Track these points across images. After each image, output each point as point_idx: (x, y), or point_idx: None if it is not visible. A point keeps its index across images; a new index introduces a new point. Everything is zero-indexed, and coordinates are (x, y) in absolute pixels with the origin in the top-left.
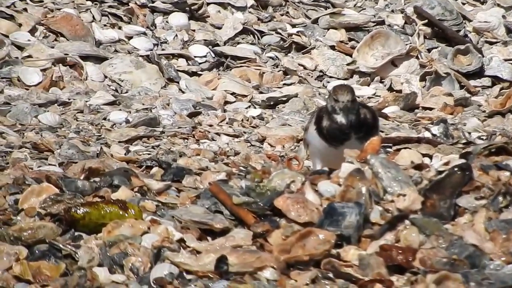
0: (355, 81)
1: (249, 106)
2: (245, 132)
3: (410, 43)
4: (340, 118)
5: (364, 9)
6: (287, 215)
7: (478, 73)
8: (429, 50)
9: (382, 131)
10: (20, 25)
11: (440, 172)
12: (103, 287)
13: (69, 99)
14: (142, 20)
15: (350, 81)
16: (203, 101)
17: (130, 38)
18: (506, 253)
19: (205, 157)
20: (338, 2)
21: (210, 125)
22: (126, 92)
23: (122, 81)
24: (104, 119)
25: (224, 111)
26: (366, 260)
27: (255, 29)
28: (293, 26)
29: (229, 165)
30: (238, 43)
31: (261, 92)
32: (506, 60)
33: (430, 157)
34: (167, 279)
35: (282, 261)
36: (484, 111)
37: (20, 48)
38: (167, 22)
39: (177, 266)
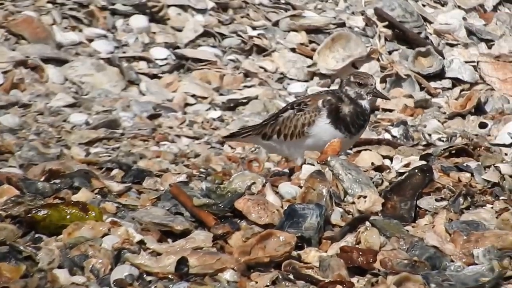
0: (315, 83)
1: (210, 108)
2: (205, 134)
3: (371, 45)
4: (365, 103)
5: (325, 11)
6: (247, 216)
7: (439, 75)
8: (389, 52)
9: None
10: None
11: (400, 174)
12: None
13: (29, 101)
14: (102, 23)
15: (310, 83)
16: (163, 103)
17: (91, 40)
18: (466, 255)
19: (165, 159)
20: (299, 4)
21: (170, 127)
22: (87, 94)
23: (83, 83)
24: (65, 121)
25: (185, 113)
26: (326, 262)
27: (215, 32)
28: (254, 28)
29: (190, 167)
30: (199, 45)
31: (221, 94)
32: (466, 62)
33: (391, 158)
34: (127, 280)
35: (242, 263)
36: (444, 113)
37: None
38: (127, 24)
39: (138, 268)
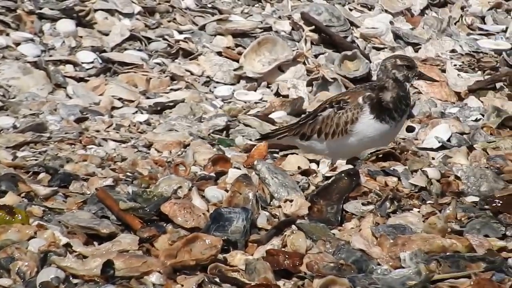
0: (242, 87)
1: (136, 112)
2: (132, 138)
3: (297, 49)
4: (409, 87)
5: (251, 15)
6: (173, 220)
7: (365, 78)
8: (316, 56)
9: None
10: None
11: (327, 178)
12: None
13: None
14: (30, 27)
15: (237, 87)
16: (90, 106)
17: (18, 44)
18: (393, 258)
19: (92, 163)
20: (225, 9)
21: (97, 131)
22: (14, 98)
23: (10, 86)
24: None
25: (111, 116)
26: (252, 265)
27: (142, 36)
28: (180, 32)
29: (116, 170)
30: (125, 49)
31: (148, 98)
32: None
33: (317, 162)
34: (54, 283)
35: (168, 266)
36: None
37: None
38: (54, 28)
39: (64, 270)
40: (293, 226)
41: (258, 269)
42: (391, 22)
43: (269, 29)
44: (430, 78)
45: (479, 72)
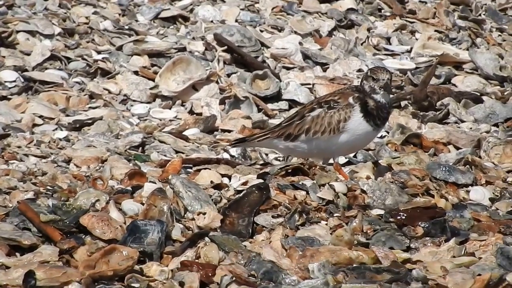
0: (157, 105)
1: (56, 129)
2: (52, 153)
3: (211, 68)
4: (379, 98)
5: (167, 36)
6: (92, 232)
7: (276, 97)
8: (228, 75)
9: (183, 153)
10: None
11: (238, 192)
12: None
13: None
14: None
15: (153, 105)
16: (12, 123)
17: None
18: (302, 269)
19: (14, 177)
20: (142, 30)
21: (19, 147)
22: None
23: None
24: None
25: (32, 133)
26: (181, 276)
27: (62, 56)
28: (99, 52)
29: (37, 184)
30: (46, 68)
31: (67, 115)
32: (302, 84)
33: (229, 177)
34: None
35: (87, 276)
36: None
37: None
38: None
39: None
40: (206, 238)
41: (186, 280)
42: (300, 43)
43: (183, 49)
44: (391, 91)
45: None
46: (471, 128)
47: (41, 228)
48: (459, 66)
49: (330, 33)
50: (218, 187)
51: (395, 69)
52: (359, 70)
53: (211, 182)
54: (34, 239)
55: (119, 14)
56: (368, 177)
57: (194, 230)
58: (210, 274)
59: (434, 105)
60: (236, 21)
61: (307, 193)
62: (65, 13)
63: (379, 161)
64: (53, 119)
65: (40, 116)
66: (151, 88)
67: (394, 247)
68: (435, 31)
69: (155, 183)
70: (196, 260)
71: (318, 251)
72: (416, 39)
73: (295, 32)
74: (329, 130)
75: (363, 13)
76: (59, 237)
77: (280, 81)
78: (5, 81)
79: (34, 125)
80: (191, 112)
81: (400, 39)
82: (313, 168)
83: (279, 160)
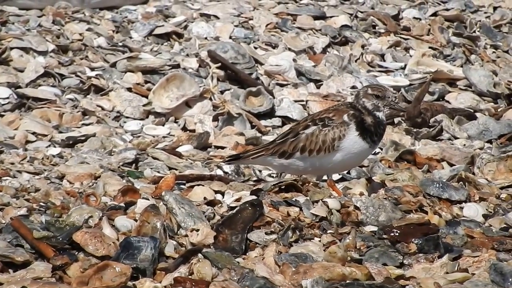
0: (150, 121)
1: (49, 145)
2: (45, 170)
3: (204, 85)
4: (381, 115)
5: (160, 53)
6: (85, 248)
7: (269, 114)
8: (222, 92)
9: (176, 169)
10: None
11: (232, 208)
12: None
13: None
14: None
15: (146, 121)
16: (5, 140)
17: None
18: (295, 285)
19: (7, 193)
20: (135, 47)
21: (12, 163)
22: None
23: None
24: None
25: (26, 149)
26: None
27: (56, 72)
28: (92, 69)
29: (30, 201)
30: (40, 85)
31: (60, 132)
32: (296, 101)
33: (222, 193)
34: None
35: None
36: None
37: None
38: None
39: None
40: (199, 255)
41: None
42: (294, 60)
43: (177, 66)
44: (401, 109)
45: None
46: (464, 144)
47: (34, 245)
48: (453, 83)
49: (324, 50)
50: (211, 203)
51: (389, 86)
52: (353, 87)
53: (205, 198)
54: (27, 256)
55: (113, 31)
56: (361, 194)
57: (187, 247)
58: None
59: (427, 122)
60: (230, 37)
61: (301, 209)
62: (59, 29)
63: (373, 178)
64: (46, 135)
65: (33, 133)
66: (144, 105)
67: (388, 263)
68: (429, 47)
69: (148, 199)
70: (189, 277)
71: (311, 267)
72: (410, 56)
73: (289, 49)
74: (324, 149)
75: (357, 30)
76: (52, 254)
77: (274, 97)
78: None
79: (27, 141)
80: (184, 128)
81: (394, 56)
82: (307, 184)
83: (273, 177)
